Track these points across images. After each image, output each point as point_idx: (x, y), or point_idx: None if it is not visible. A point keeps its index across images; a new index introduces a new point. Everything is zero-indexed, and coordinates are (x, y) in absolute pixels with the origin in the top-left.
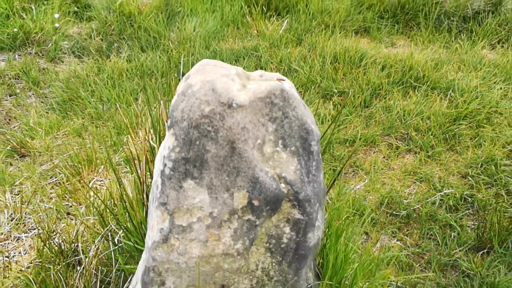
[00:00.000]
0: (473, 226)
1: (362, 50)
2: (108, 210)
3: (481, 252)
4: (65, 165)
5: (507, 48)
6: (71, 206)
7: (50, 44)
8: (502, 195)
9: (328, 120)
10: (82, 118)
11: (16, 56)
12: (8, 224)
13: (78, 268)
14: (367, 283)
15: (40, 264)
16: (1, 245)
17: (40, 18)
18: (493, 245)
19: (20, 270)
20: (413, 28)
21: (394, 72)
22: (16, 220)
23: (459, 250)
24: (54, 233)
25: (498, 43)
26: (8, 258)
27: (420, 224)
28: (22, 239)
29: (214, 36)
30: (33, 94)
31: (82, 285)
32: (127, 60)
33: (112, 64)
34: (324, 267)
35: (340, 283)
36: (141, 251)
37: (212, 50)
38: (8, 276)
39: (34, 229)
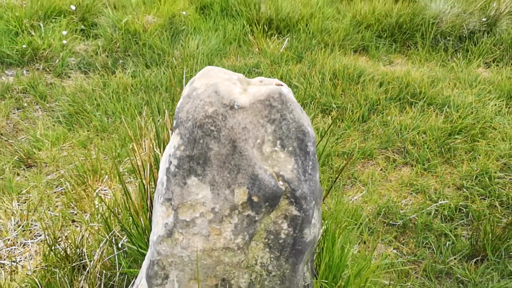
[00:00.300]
0: (467, 236)
1: (361, 67)
2: (113, 215)
3: (475, 259)
4: (71, 175)
5: (502, 67)
6: (76, 214)
7: (57, 60)
8: (495, 206)
9: (327, 134)
10: (88, 131)
11: (24, 71)
12: (14, 230)
13: (83, 272)
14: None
15: (46, 268)
16: (8, 250)
17: (48, 35)
18: (486, 253)
19: (27, 274)
20: (411, 47)
21: (391, 89)
22: (22, 227)
23: (454, 258)
24: (60, 239)
25: (493, 62)
26: (14, 262)
27: (416, 233)
28: (28, 245)
29: (216, 53)
30: (40, 108)
31: (87, 287)
32: (132, 76)
33: (118, 79)
34: (320, 267)
35: (335, 283)
36: (144, 255)
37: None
38: (15, 279)
39: (40, 235)
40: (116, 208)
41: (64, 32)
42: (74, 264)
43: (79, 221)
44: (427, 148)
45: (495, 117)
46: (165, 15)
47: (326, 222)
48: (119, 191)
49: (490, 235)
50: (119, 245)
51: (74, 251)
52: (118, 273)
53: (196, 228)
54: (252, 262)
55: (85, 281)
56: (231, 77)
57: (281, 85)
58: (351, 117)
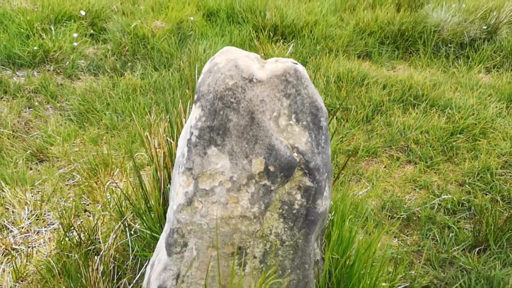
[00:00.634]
0: (470, 228)
1: (364, 71)
2: (127, 200)
3: (478, 249)
4: (83, 168)
5: (502, 72)
6: (88, 204)
7: (68, 62)
8: (497, 200)
9: (332, 133)
10: (98, 128)
11: (35, 72)
12: (28, 219)
13: (96, 257)
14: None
15: (62, 252)
16: (22, 237)
17: (58, 38)
18: (489, 244)
19: (42, 259)
20: (413, 53)
21: (394, 91)
22: (36, 216)
23: (457, 248)
24: (72, 227)
25: (493, 68)
26: (29, 247)
27: (420, 225)
28: (42, 232)
29: None
30: (50, 107)
31: (102, 268)
32: (140, 78)
33: (127, 81)
34: (330, 244)
35: (343, 257)
36: (157, 239)
37: None
38: (32, 262)
39: (53, 224)
40: (129, 195)
41: (75, 35)
42: (87, 249)
43: (92, 211)
44: (430, 146)
45: (496, 119)
46: (173, 21)
47: (334, 205)
48: (130, 184)
49: (492, 227)
50: (132, 231)
51: (88, 237)
52: (131, 256)
53: (215, 196)
54: (267, 232)
55: (100, 262)
56: (249, 55)
57: (296, 63)
58: (355, 118)
